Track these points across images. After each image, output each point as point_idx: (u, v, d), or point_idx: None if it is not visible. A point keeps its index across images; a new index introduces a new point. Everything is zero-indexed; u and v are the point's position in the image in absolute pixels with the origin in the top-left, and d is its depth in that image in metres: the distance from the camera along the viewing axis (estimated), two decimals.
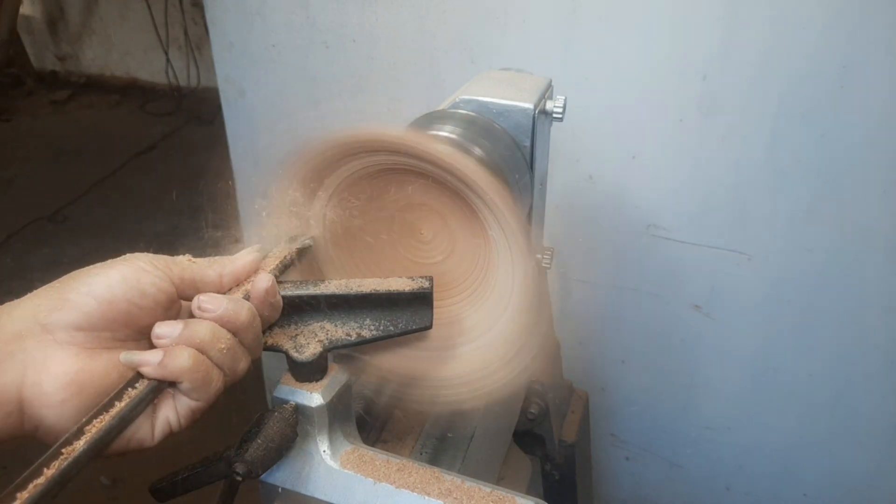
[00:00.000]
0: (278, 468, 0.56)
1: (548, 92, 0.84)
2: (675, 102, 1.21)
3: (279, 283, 0.56)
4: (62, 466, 0.40)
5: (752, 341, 1.37)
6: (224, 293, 0.53)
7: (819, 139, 1.14)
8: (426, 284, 0.59)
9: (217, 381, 0.49)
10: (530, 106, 0.77)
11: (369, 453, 0.57)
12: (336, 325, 0.58)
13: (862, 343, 1.27)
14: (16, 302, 0.47)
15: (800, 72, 1.10)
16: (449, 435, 0.73)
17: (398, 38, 1.38)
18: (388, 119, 0.58)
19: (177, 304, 0.51)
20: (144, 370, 0.46)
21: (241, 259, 0.55)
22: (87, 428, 0.43)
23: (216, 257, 0.55)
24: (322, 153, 0.60)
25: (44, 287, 0.48)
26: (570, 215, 1.38)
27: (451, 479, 0.55)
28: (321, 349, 0.56)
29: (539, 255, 0.87)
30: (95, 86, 5.08)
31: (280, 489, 0.56)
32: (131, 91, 4.97)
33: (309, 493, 0.55)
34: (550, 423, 1.06)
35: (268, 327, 0.56)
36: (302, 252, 0.62)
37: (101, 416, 0.43)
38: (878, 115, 1.09)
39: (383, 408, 0.75)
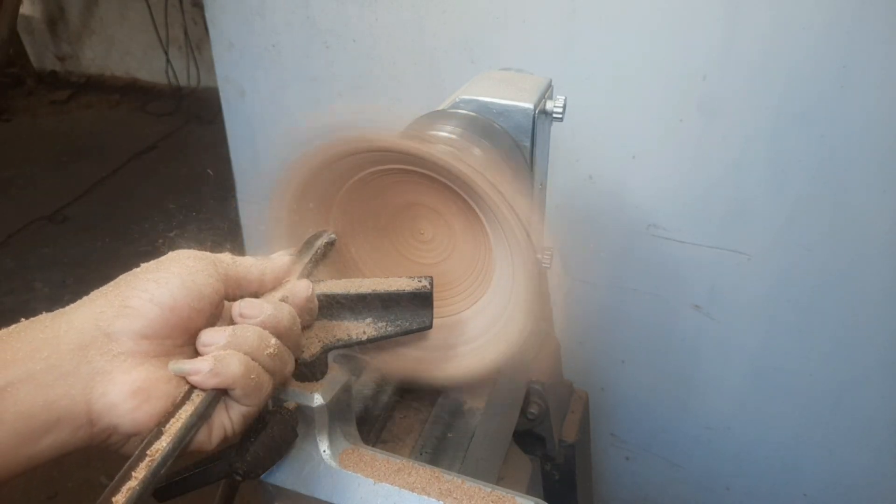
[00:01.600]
0: (278, 468, 0.56)
1: (548, 92, 0.84)
2: (675, 102, 1.21)
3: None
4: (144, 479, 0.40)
5: (752, 341, 1.37)
6: (263, 294, 0.53)
7: (819, 139, 1.14)
8: (426, 284, 0.59)
9: (267, 386, 0.49)
10: (530, 106, 0.77)
11: (369, 453, 0.57)
12: (336, 325, 0.58)
13: (862, 343, 1.27)
14: (72, 308, 0.46)
15: (800, 72, 1.10)
16: (449, 435, 0.73)
17: (398, 38, 1.38)
18: (388, 119, 0.58)
19: (223, 303, 0.51)
20: (194, 379, 0.45)
21: (279, 260, 0.55)
22: (154, 448, 0.42)
23: (255, 257, 0.55)
24: (321, 155, 0.60)
25: (99, 292, 0.47)
26: (570, 215, 1.38)
27: (451, 479, 0.55)
28: (321, 349, 0.56)
29: (539, 255, 0.87)
30: (95, 86, 5.08)
31: (280, 489, 0.56)
32: (131, 91, 4.97)
33: (309, 493, 0.55)
34: (550, 423, 1.06)
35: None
36: (328, 248, 0.62)
37: (168, 430, 0.43)
38: (877, 115, 1.09)
39: (383, 408, 0.75)
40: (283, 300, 0.52)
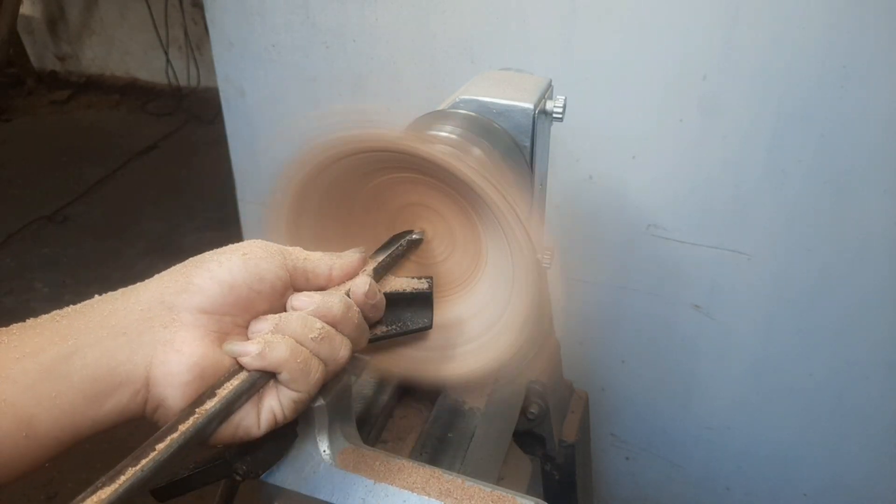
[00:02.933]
0: (278, 468, 0.56)
1: (548, 92, 0.84)
2: (676, 102, 1.21)
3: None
4: (167, 449, 0.41)
5: (752, 341, 1.37)
6: (331, 288, 0.55)
7: (819, 139, 1.14)
8: (426, 284, 0.59)
9: (316, 372, 0.50)
10: (530, 106, 0.77)
11: (369, 453, 0.57)
12: None
13: (862, 343, 1.27)
14: (140, 285, 0.48)
15: (800, 72, 1.10)
16: (449, 435, 0.73)
17: (398, 38, 1.38)
18: (388, 119, 0.58)
19: (290, 292, 0.52)
20: (244, 360, 0.47)
21: (349, 256, 0.56)
22: (195, 413, 0.44)
23: (327, 252, 0.56)
24: (321, 155, 0.60)
25: (167, 271, 0.49)
26: (570, 215, 1.38)
27: (451, 479, 0.55)
28: None
29: (539, 255, 0.87)
30: (95, 86, 5.08)
31: (280, 489, 0.56)
32: (131, 91, 4.97)
33: (309, 493, 0.55)
34: (550, 423, 1.06)
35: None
36: (411, 245, 0.63)
37: (207, 403, 0.44)
38: (877, 115, 1.09)
39: (383, 408, 0.75)
40: (347, 294, 0.53)
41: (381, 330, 0.59)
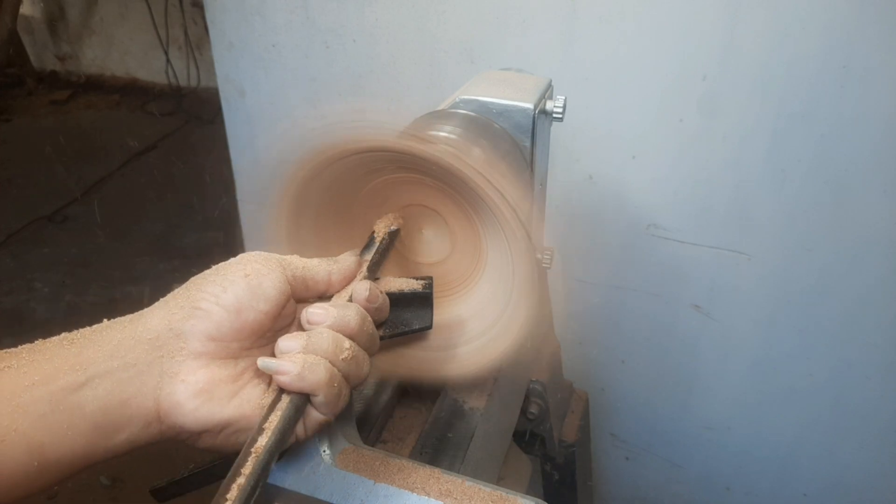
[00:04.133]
0: (278, 468, 0.56)
1: (548, 92, 0.84)
2: (675, 102, 1.21)
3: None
4: (239, 498, 0.40)
5: (752, 341, 1.37)
6: (332, 294, 0.54)
7: (819, 139, 1.14)
8: (426, 284, 0.59)
9: (346, 395, 0.50)
10: (530, 106, 0.77)
11: (369, 453, 0.57)
12: None
13: (862, 343, 1.27)
14: (148, 311, 0.48)
15: (800, 72, 1.10)
16: (449, 435, 0.73)
17: (398, 38, 1.38)
18: (388, 119, 0.58)
19: (290, 303, 0.52)
20: (282, 380, 0.46)
21: (345, 260, 0.56)
22: (251, 454, 0.43)
23: (323, 258, 0.55)
24: (321, 155, 0.60)
25: (173, 294, 0.49)
26: (570, 215, 1.38)
27: (451, 479, 0.55)
28: None
29: (539, 255, 0.87)
30: (95, 86, 5.08)
31: (280, 489, 0.56)
32: (131, 91, 4.97)
33: (308, 494, 0.55)
34: (550, 424, 1.06)
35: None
36: (392, 237, 0.63)
37: (259, 441, 0.43)
38: (878, 114, 1.09)
39: (383, 408, 0.75)
40: (350, 301, 0.53)
41: (381, 331, 0.58)
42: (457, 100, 0.78)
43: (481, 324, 0.67)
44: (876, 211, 1.16)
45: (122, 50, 5.00)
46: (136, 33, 4.80)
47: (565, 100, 0.80)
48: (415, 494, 0.54)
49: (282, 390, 0.47)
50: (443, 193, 0.66)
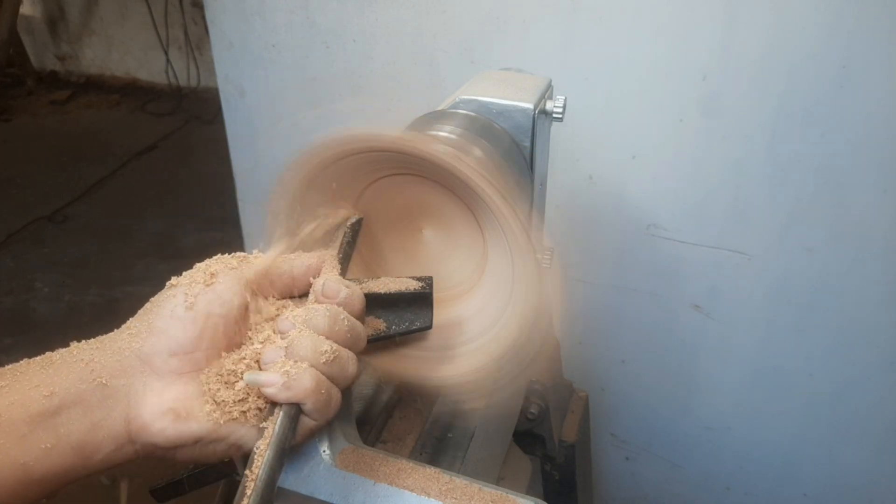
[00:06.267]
0: None
1: (548, 92, 0.84)
2: (675, 102, 1.21)
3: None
4: None
5: (752, 341, 1.37)
6: (299, 286, 0.53)
7: (819, 139, 1.14)
8: (426, 284, 0.59)
9: (336, 398, 0.48)
10: (530, 106, 0.77)
11: (369, 453, 0.57)
12: None
13: (862, 343, 1.27)
14: (115, 333, 0.48)
15: (800, 72, 1.10)
16: (449, 435, 0.73)
17: (398, 38, 1.38)
18: (388, 119, 0.58)
19: (261, 302, 0.51)
20: (269, 391, 0.45)
21: (308, 254, 0.55)
22: (255, 465, 0.43)
23: (288, 254, 0.55)
24: (321, 155, 0.60)
25: (136, 316, 0.49)
26: (570, 215, 1.38)
27: (450, 480, 0.55)
28: None
29: (539, 255, 0.86)
30: (95, 86, 5.08)
31: (280, 489, 0.56)
32: (131, 91, 4.97)
33: (308, 494, 0.55)
34: (550, 423, 1.06)
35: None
36: (355, 228, 0.62)
37: (256, 461, 0.43)
38: (877, 115, 1.09)
39: (383, 408, 0.75)
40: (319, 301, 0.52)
41: (381, 330, 0.58)
42: (457, 100, 0.78)
43: (481, 324, 0.67)
44: (876, 211, 1.16)
45: (122, 50, 5.00)
46: (136, 33, 4.80)
47: (565, 100, 0.80)
48: (414, 494, 0.54)
49: (273, 403, 0.46)
50: (443, 193, 0.66)
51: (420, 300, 0.59)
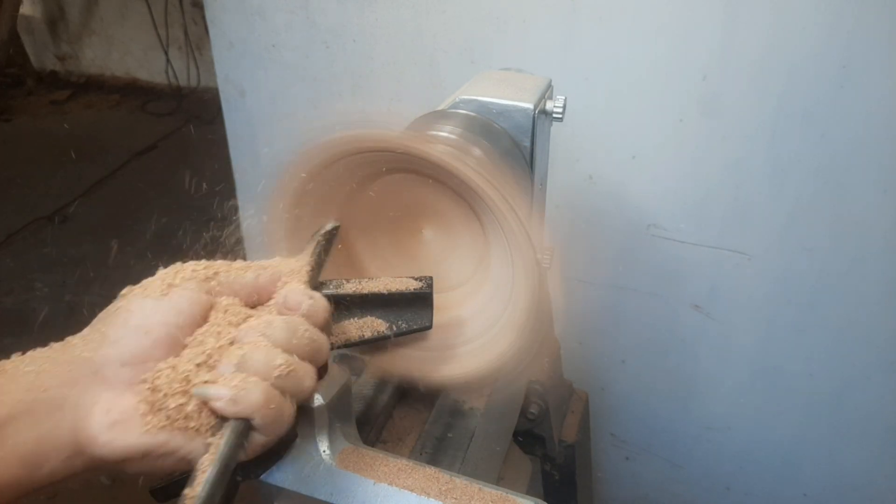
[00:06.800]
0: (278, 468, 0.56)
1: (548, 92, 0.84)
2: (675, 102, 1.20)
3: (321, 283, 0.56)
4: None
5: (752, 341, 1.37)
6: (265, 298, 0.52)
7: (819, 139, 1.14)
8: (426, 284, 0.59)
9: (288, 413, 0.46)
10: (530, 106, 0.77)
11: (369, 453, 0.57)
12: (336, 326, 0.58)
13: (862, 343, 1.27)
14: (68, 340, 0.47)
15: (800, 71, 1.10)
16: (449, 435, 0.73)
17: (398, 38, 1.38)
18: (388, 119, 0.58)
19: (212, 317, 0.49)
20: (217, 405, 0.44)
21: (274, 261, 0.54)
22: (197, 482, 0.42)
23: (255, 263, 0.53)
24: (321, 155, 0.60)
25: (88, 327, 0.47)
26: (570, 215, 1.38)
27: (450, 480, 0.55)
28: None
29: (539, 255, 0.86)
30: (95, 86, 5.08)
31: (280, 489, 0.56)
32: (131, 91, 4.97)
33: (309, 494, 0.55)
34: (550, 424, 1.06)
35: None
36: (331, 236, 0.60)
37: (199, 477, 0.42)
38: (878, 115, 1.09)
39: (383, 408, 0.75)
40: (281, 312, 0.50)
41: (381, 330, 0.58)
42: (457, 100, 0.78)
43: (481, 324, 0.67)
44: (876, 211, 1.16)
45: (122, 50, 5.00)
46: (136, 33, 4.80)
47: (565, 100, 0.80)
48: (414, 495, 0.54)
49: (223, 417, 0.45)
50: (443, 194, 0.66)
51: (420, 300, 0.59)
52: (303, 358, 0.48)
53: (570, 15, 1.21)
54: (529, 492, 0.90)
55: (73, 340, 0.47)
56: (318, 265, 0.56)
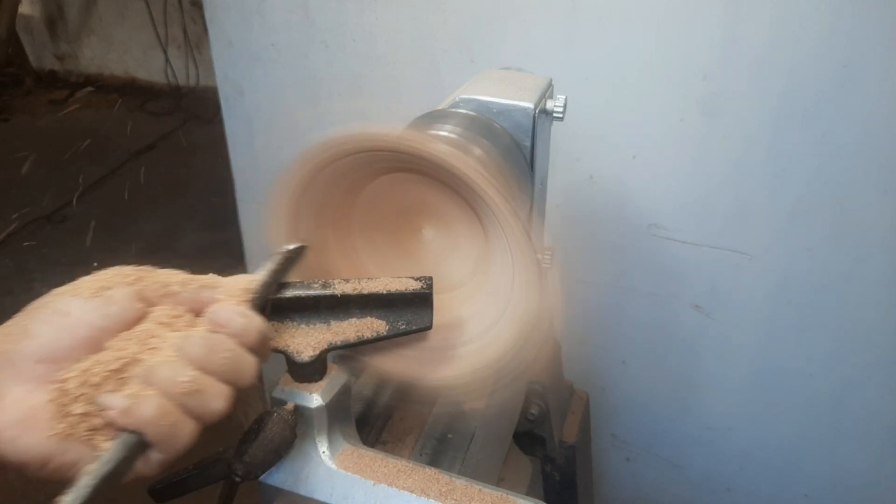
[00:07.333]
0: (277, 469, 0.56)
1: (548, 91, 0.84)
2: (676, 102, 1.20)
3: (282, 285, 0.55)
4: None
5: (753, 341, 1.37)
6: (205, 310, 0.49)
7: (819, 139, 1.14)
8: (426, 284, 0.59)
9: (185, 434, 0.44)
10: (530, 105, 0.76)
11: (369, 454, 0.57)
12: (335, 326, 0.57)
13: (862, 343, 1.27)
14: None
15: (800, 72, 1.10)
16: (449, 436, 0.72)
17: (398, 37, 1.38)
18: (387, 119, 0.58)
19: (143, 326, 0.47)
20: (109, 415, 0.42)
21: (209, 277, 0.51)
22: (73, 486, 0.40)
23: (203, 276, 0.51)
24: (321, 154, 0.60)
25: (12, 318, 0.45)
26: (570, 215, 1.38)
27: (450, 481, 0.55)
28: (320, 350, 0.56)
29: (539, 255, 0.86)
30: (94, 85, 5.07)
31: (279, 490, 0.56)
32: (130, 90, 4.97)
33: (308, 495, 0.55)
34: (551, 424, 1.06)
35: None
36: (290, 255, 0.57)
37: (81, 480, 0.41)
38: (878, 115, 1.09)
39: (383, 408, 0.75)
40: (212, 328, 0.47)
41: (381, 330, 0.58)
42: (457, 99, 0.78)
43: (481, 324, 0.67)
44: (876, 211, 1.15)
45: (121, 49, 5.00)
46: (135, 33, 4.80)
47: (566, 99, 0.80)
48: (414, 496, 0.53)
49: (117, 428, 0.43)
50: (443, 193, 0.66)
51: (420, 300, 0.58)
52: (219, 378, 0.46)
53: (570, 14, 1.21)
54: (530, 493, 0.90)
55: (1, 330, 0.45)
56: (267, 284, 0.53)
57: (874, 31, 1.03)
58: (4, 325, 0.45)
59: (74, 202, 3.52)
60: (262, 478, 0.56)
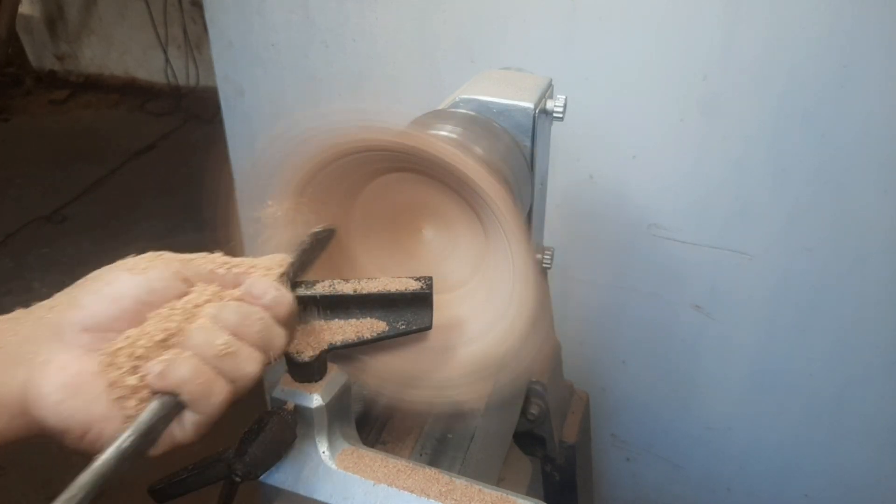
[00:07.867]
0: (277, 469, 0.56)
1: (548, 91, 0.84)
2: (676, 102, 1.20)
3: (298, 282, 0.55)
4: (88, 481, 0.40)
5: (753, 341, 1.37)
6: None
7: (819, 139, 1.14)
8: (426, 284, 0.59)
9: (220, 393, 0.46)
10: (530, 105, 0.76)
11: (369, 454, 0.57)
12: (335, 326, 0.57)
13: (862, 343, 1.27)
14: (36, 306, 0.47)
15: (800, 71, 1.10)
16: (449, 436, 0.72)
17: (398, 37, 1.38)
18: (388, 119, 0.58)
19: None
20: (148, 379, 0.44)
21: (259, 259, 0.54)
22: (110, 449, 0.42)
23: (242, 258, 0.53)
24: (321, 153, 0.60)
25: (62, 291, 0.48)
26: (570, 215, 1.38)
27: (450, 481, 0.55)
28: (320, 350, 0.55)
29: (539, 255, 0.86)
30: (94, 85, 5.07)
31: (279, 490, 0.56)
32: (130, 90, 4.97)
33: (308, 495, 0.55)
34: (551, 424, 1.06)
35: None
36: (318, 237, 0.60)
37: (119, 438, 0.42)
38: (878, 115, 1.09)
39: (383, 408, 0.75)
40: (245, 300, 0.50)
41: (381, 330, 0.58)
42: (457, 99, 0.78)
43: (481, 324, 0.67)
44: (876, 211, 1.15)
45: (121, 49, 5.00)
46: (135, 33, 4.80)
47: (566, 99, 0.80)
48: (414, 496, 0.53)
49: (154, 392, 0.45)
50: (443, 193, 0.66)
51: (420, 300, 0.58)
52: (251, 344, 0.48)
53: (570, 14, 1.21)
54: (530, 493, 0.90)
55: (42, 303, 0.47)
56: (298, 264, 0.55)
57: (874, 31, 1.03)
58: (53, 297, 0.47)
59: (74, 202, 3.52)
60: (262, 478, 0.56)
